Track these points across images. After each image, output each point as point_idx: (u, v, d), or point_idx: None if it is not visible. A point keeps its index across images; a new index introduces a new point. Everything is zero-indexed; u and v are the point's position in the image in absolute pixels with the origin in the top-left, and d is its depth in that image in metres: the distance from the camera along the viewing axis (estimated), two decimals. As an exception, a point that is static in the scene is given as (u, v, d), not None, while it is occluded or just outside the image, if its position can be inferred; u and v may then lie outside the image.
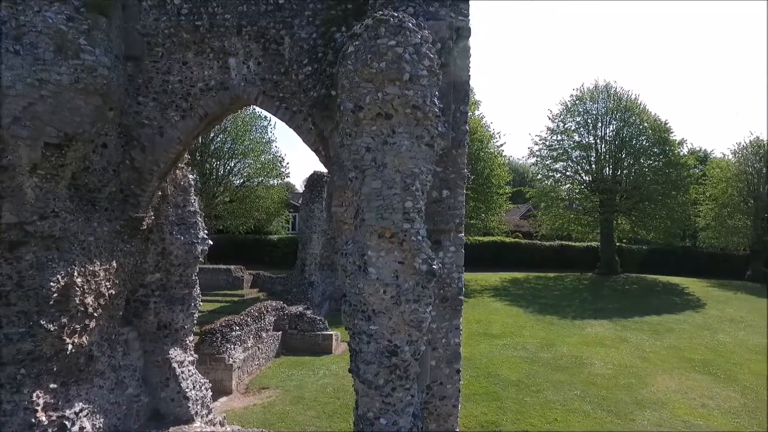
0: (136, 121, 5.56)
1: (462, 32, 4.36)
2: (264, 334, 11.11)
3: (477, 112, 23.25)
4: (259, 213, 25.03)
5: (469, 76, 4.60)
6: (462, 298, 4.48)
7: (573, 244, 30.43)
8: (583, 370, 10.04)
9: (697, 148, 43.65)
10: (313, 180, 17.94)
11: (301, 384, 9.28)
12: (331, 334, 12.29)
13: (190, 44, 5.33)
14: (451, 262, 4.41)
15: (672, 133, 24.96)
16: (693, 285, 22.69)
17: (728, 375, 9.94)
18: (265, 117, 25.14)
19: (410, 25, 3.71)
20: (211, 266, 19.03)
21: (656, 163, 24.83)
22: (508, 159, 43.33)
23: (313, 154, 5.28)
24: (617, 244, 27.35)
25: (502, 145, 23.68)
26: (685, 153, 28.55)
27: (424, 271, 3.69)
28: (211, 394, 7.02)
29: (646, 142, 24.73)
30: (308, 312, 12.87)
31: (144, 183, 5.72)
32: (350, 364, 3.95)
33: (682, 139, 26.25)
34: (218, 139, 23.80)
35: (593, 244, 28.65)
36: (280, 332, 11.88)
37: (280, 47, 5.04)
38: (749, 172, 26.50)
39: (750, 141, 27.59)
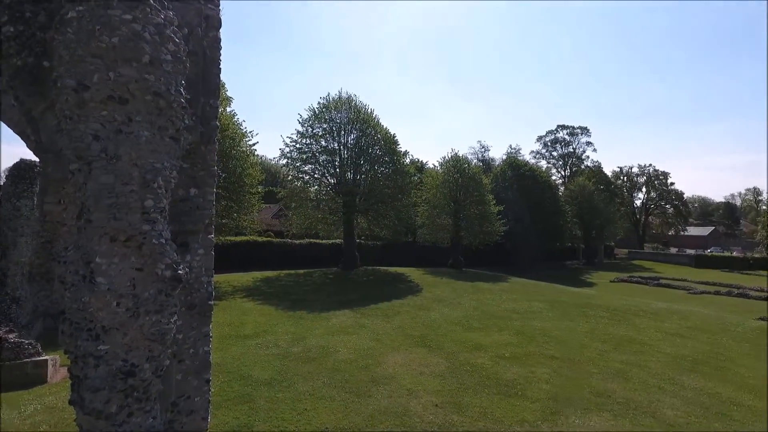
0: None
1: (212, 22, 4.12)
2: (-70, 376, 8.16)
3: (229, 109, 22.50)
4: (-77, 211, 18.21)
5: (220, 69, 4.39)
6: (212, 303, 4.24)
7: (320, 241, 32.67)
8: (329, 359, 10.82)
9: (417, 159, 52.79)
10: (20, 170, 14.10)
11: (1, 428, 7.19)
12: (46, 360, 9.88)
13: None
14: (200, 266, 4.12)
15: (399, 145, 29.33)
16: (413, 273, 27.24)
17: (437, 345, 12.27)
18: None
19: (151, 1, 3.30)
20: None
21: (387, 170, 28.72)
22: (261, 158, 43.29)
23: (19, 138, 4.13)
24: (357, 240, 30.62)
25: (254, 144, 23.52)
26: (408, 163, 34.11)
27: (168, 278, 3.32)
28: None
29: (379, 151, 28.33)
30: (11, 335, 10.02)
31: None
32: (72, 395, 3.26)
33: (406, 150, 31.25)
34: None
35: (338, 241, 31.35)
36: (-39, 369, 8.91)
37: (-39, -8, 3.76)
38: (450, 181, 33.41)
39: (452, 156, 34.88)
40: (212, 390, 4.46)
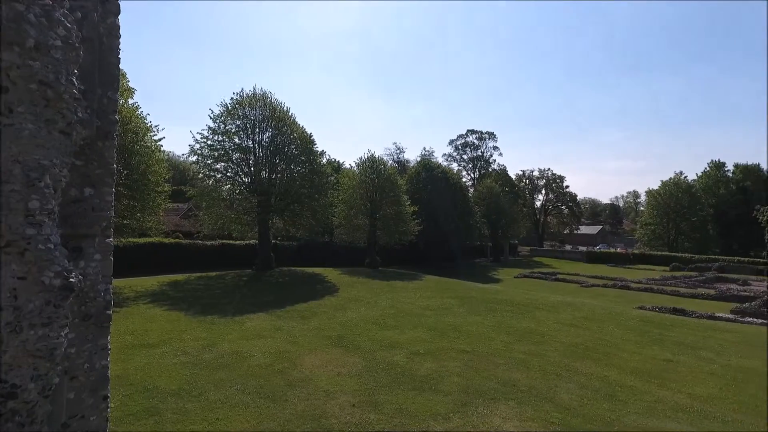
0: None
1: (109, 7, 3.77)
2: None
3: (131, 101, 20.81)
4: None
5: (119, 58, 4.03)
6: (110, 312, 3.89)
7: (233, 242, 31.45)
8: (243, 364, 10.44)
9: (333, 159, 52.71)
10: None
11: None
12: None
13: None
14: (96, 273, 3.74)
15: (315, 144, 29.07)
16: (331, 273, 27.14)
17: (354, 345, 12.34)
18: None
19: (37, -20, 2.94)
20: None
21: (303, 169, 28.33)
22: (168, 155, 40.75)
23: None
24: (273, 241, 29.88)
25: (160, 139, 21.95)
26: (325, 163, 33.92)
27: (58, 287, 2.98)
28: None
29: (295, 150, 27.85)
30: None
31: None
32: (-67, 425, 2.82)
33: (323, 150, 30.98)
34: None
35: (252, 241, 30.37)
36: None
37: None
38: (367, 182, 33.77)
39: (368, 157, 35.23)
40: (112, 406, 4.10)
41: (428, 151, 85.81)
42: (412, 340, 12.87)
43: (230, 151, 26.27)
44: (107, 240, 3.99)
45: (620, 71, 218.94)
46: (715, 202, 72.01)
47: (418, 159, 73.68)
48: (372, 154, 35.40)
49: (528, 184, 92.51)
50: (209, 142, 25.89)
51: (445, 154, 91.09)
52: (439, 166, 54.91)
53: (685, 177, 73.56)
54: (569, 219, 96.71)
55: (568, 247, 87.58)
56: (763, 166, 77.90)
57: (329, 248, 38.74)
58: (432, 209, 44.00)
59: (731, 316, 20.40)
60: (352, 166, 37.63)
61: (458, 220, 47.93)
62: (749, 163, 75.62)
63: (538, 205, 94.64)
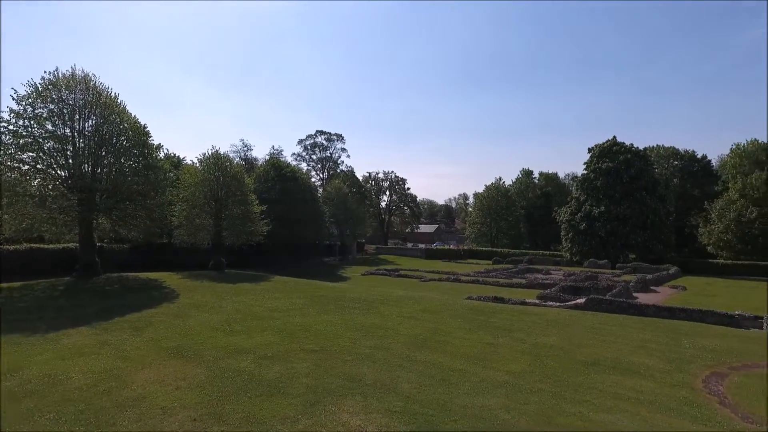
0: None
1: None
2: None
3: None
4: None
5: None
6: None
7: (46, 246, 26.89)
8: (57, 389, 9.09)
9: (173, 154, 48.51)
10: None
11: None
12: None
13: None
14: None
15: (151, 137, 26.34)
16: (169, 278, 24.99)
17: (196, 354, 11.64)
18: None
19: None
20: None
21: (136, 164, 25.46)
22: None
23: None
24: (98, 244, 26.30)
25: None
26: (163, 157, 31.01)
27: None
28: None
29: (126, 143, 24.82)
30: None
31: None
32: None
33: (159, 143, 28.23)
34: None
35: (71, 245, 26.35)
36: None
37: None
38: (211, 179, 31.90)
39: (212, 153, 33.25)
40: None
41: (277, 149, 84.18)
42: (260, 345, 12.65)
43: (41, 140, 22.24)
44: None
45: (451, 86, 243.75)
46: (525, 204, 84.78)
47: (267, 157, 71.99)
48: (216, 150, 33.50)
49: (374, 185, 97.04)
50: (12, 127, 21.58)
51: (294, 154, 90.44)
52: (289, 165, 54.48)
53: (503, 182, 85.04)
54: (410, 218, 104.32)
55: (409, 245, 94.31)
56: (561, 174, 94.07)
57: (168, 251, 35.55)
58: (281, 209, 43.41)
59: (537, 301, 24.45)
60: (194, 162, 35.05)
61: (307, 220, 48.16)
62: (550, 171, 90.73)
63: (383, 206, 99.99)
